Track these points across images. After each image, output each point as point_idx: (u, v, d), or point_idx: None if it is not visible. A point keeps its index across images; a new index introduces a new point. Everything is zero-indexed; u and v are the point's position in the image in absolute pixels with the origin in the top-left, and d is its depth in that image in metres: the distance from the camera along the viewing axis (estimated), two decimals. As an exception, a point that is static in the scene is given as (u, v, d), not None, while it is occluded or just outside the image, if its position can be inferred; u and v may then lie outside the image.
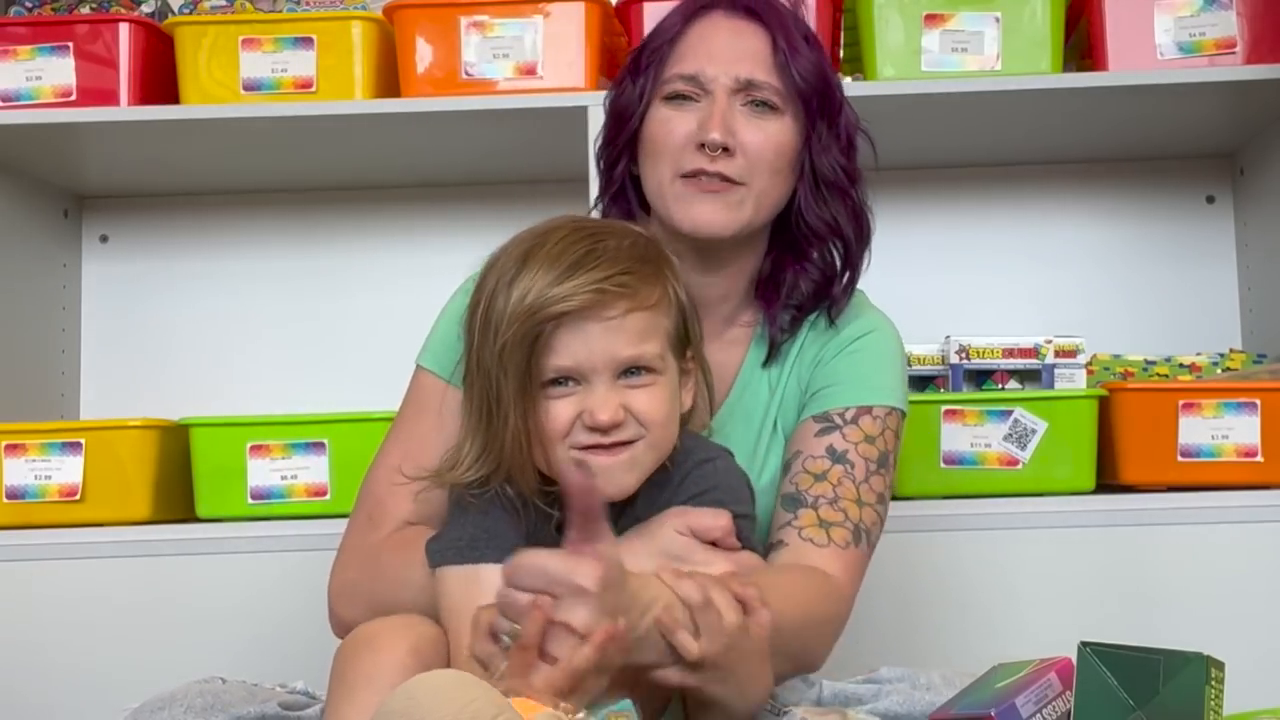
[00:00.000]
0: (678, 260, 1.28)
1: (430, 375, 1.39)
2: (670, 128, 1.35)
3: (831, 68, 1.40)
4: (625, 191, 1.42)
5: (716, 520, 1.18)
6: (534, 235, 1.22)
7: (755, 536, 1.27)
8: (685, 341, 1.24)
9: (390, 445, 1.39)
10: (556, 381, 1.18)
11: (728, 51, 1.35)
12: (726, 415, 1.39)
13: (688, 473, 1.23)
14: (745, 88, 1.34)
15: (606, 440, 1.17)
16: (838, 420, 1.35)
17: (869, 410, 1.35)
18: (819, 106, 1.37)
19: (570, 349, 1.16)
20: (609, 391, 1.17)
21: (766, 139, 1.34)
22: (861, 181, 1.41)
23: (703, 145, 1.32)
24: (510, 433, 1.19)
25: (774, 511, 1.33)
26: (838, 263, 1.41)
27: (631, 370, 1.18)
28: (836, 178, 1.38)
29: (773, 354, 1.40)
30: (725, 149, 1.32)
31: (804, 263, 1.40)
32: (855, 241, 1.41)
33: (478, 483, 1.23)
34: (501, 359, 1.18)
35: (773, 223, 1.41)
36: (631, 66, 1.40)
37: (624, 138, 1.39)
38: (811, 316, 1.41)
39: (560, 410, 1.18)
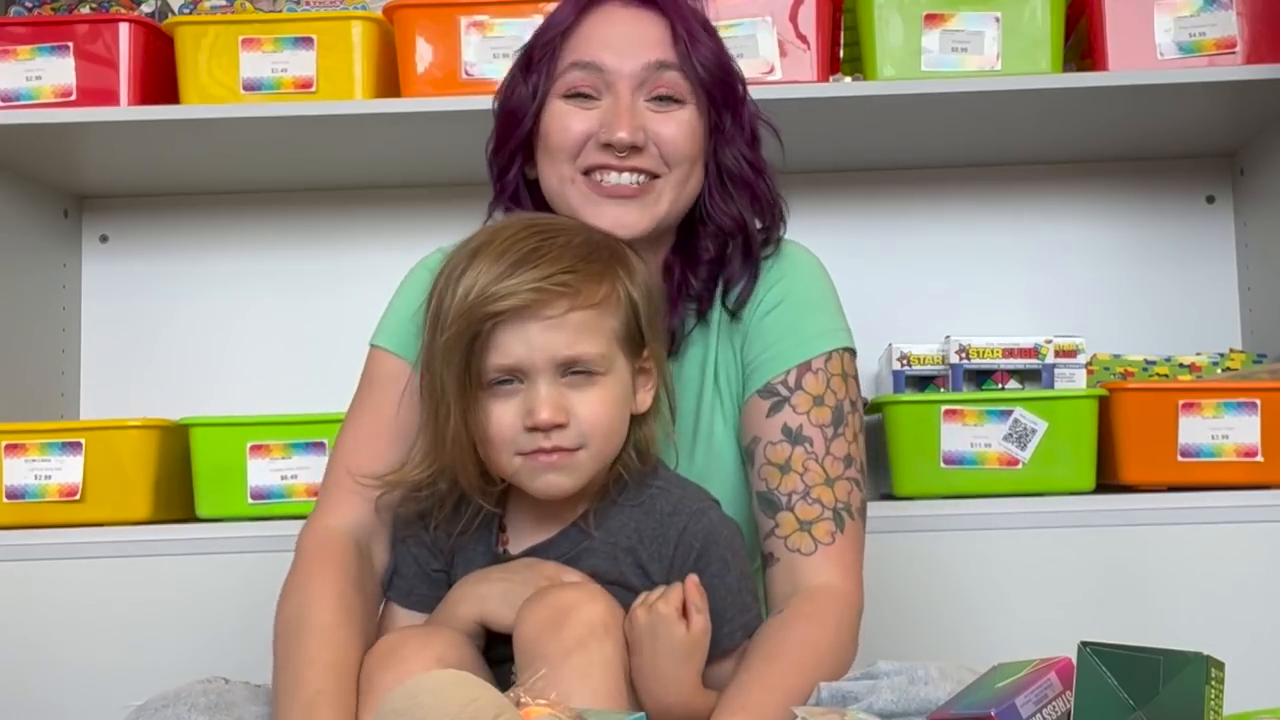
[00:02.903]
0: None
1: (388, 355, 1.37)
2: (568, 123, 1.29)
3: (731, 57, 1.35)
4: (519, 197, 1.37)
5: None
6: (488, 231, 1.22)
7: (748, 586, 1.27)
8: (639, 340, 1.23)
9: (344, 434, 1.37)
10: (501, 381, 1.18)
11: (626, 41, 1.29)
12: None
13: (684, 525, 1.23)
14: (653, 72, 1.29)
15: (548, 444, 1.17)
16: (782, 390, 1.31)
17: (808, 366, 1.32)
18: (722, 97, 1.33)
19: (511, 347, 1.16)
20: (550, 390, 1.17)
21: (679, 127, 1.30)
22: (768, 172, 1.38)
23: (608, 145, 1.28)
24: (451, 429, 1.19)
25: (754, 513, 1.33)
26: (736, 253, 1.37)
27: (574, 370, 1.18)
28: (742, 170, 1.34)
29: (674, 346, 1.37)
30: (635, 147, 1.28)
31: (695, 259, 1.36)
32: (765, 229, 1.38)
33: (426, 483, 1.25)
34: (446, 355, 1.18)
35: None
36: (523, 63, 1.34)
37: (516, 140, 1.34)
38: (719, 295, 1.37)
39: (503, 411, 1.18)
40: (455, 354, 1.17)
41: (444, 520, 1.28)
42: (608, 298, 1.19)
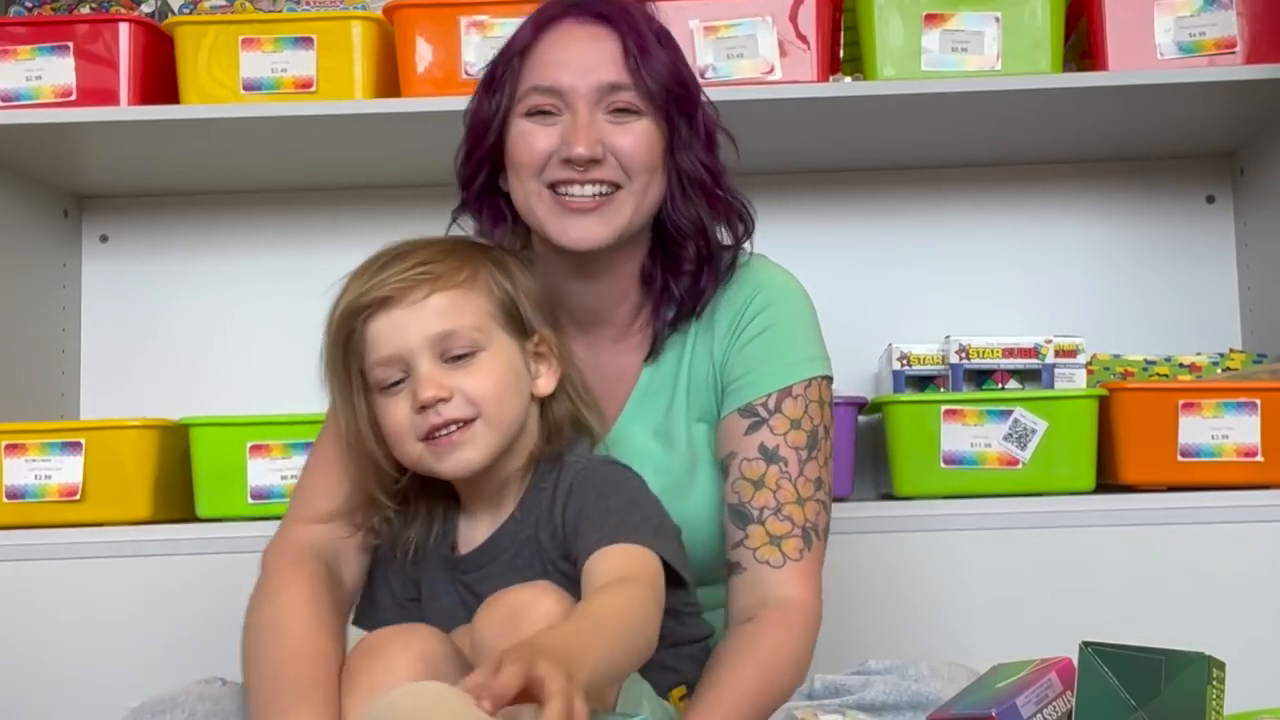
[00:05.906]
0: (556, 265, 1.35)
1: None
2: (532, 142, 1.34)
3: (686, 64, 1.40)
4: (498, 208, 1.41)
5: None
6: (373, 254, 1.29)
7: (641, 504, 1.27)
8: (522, 325, 1.27)
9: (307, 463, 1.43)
10: (391, 384, 1.23)
11: (582, 59, 1.34)
12: (633, 414, 1.41)
13: (567, 484, 1.25)
14: (607, 93, 1.34)
15: (439, 419, 1.21)
16: (762, 412, 1.37)
17: (789, 392, 1.37)
18: (677, 106, 1.37)
19: (384, 338, 1.22)
20: (431, 370, 1.21)
21: (636, 139, 1.34)
22: (725, 176, 1.42)
23: (568, 160, 1.32)
24: (347, 432, 1.27)
25: (724, 523, 1.36)
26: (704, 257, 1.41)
27: (453, 354, 1.22)
28: (699, 175, 1.39)
29: (655, 349, 1.42)
30: (594, 160, 1.32)
31: (678, 266, 1.40)
32: (730, 234, 1.42)
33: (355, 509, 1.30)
34: (329, 362, 1.27)
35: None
36: (486, 80, 1.40)
37: (481, 152, 1.39)
38: (699, 306, 1.42)
39: (395, 406, 1.23)
40: (335, 357, 1.26)
41: (396, 536, 1.30)
42: (471, 279, 1.25)
